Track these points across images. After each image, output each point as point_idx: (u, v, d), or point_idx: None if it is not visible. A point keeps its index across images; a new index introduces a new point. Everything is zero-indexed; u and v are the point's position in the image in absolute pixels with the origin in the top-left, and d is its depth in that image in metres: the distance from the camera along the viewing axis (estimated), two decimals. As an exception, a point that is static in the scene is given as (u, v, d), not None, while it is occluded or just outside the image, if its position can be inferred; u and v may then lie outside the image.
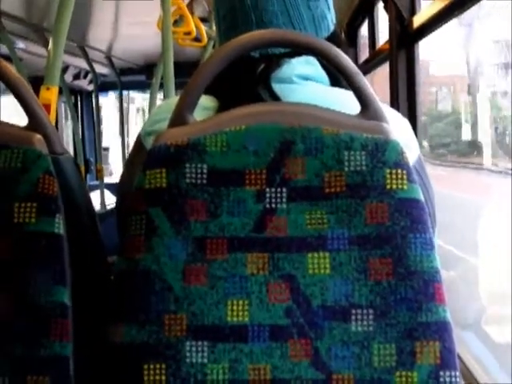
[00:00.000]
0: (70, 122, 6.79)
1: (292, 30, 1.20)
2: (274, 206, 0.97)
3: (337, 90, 1.18)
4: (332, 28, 1.26)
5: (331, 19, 1.26)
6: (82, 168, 5.91)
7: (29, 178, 1.02)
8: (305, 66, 1.19)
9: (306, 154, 0.96)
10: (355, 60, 3.95)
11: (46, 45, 4.27)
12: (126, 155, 6.41)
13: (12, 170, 1.02)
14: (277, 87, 1.15)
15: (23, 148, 1.03)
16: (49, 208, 1.02)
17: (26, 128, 1.07)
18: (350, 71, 1.00)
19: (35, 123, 1.07)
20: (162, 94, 3.04)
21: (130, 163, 1.25)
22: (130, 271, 0.97)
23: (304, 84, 1.18)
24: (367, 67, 3.51)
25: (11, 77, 1.07)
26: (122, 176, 1.28)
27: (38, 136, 1.05)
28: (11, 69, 1.08)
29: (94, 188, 6.27)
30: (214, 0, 1.29)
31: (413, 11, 2.44)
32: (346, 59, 1.00)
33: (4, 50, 4.32)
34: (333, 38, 1.25)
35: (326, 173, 0.96)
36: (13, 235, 1.01)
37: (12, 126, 1.08)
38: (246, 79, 1.17)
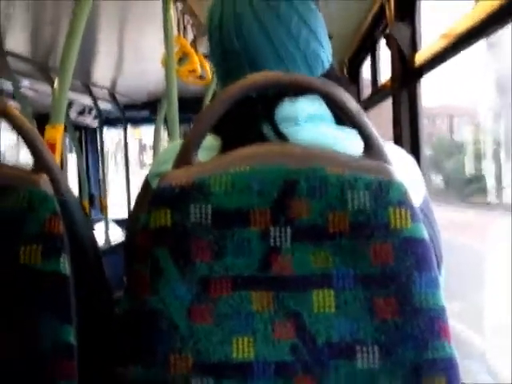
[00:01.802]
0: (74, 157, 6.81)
1: (285, 69, 1.20)
2: (278, 244, 0.97)
3: (341, 129, 1.18)
4: (327, 66, 1.26)
5: (327, 57, 1.26)
6: (87, 203, 5.91)
7: (35, 219, 1.03)
8: (310, 104, 1.20)
9: (309, 193, 0.97)
10: (357, 97, 3.97)
11: (50, 83, 4.31)
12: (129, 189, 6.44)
13: (18, 210, 1.03)
14: (283, 128, 1.16)
15: (29, 189, 1.04)
16: (54, 248, 1.02)
17: (32, 169, 1.08)
18: (352, 111, 1.01)
19: (41, 164, 1.08)
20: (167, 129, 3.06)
21: (138, 204, 1.26)
22: (135, 311, 0.97)
23: (310, 123, 1.18)
24: (369, 104, 3.53)
25: (17, 119, 1.09)
26: (131, 216, 1.28)
27: (44, 177, 1.06)
28: (17, 111, 1.09)
29: (97, 221, 6.27)
30: (209, 46, 1.30)
31: (414, 48, 2.46)
32: (347, 99, 1.01)
33: (9, 87, 4.35)
34: (332, 77, 1.25)
35: (330, 212, 0.97)
36: (18, 276, 1.01)
37: (18, 168, 1.09)
38: (246, 119, 1.18)
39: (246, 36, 1.21)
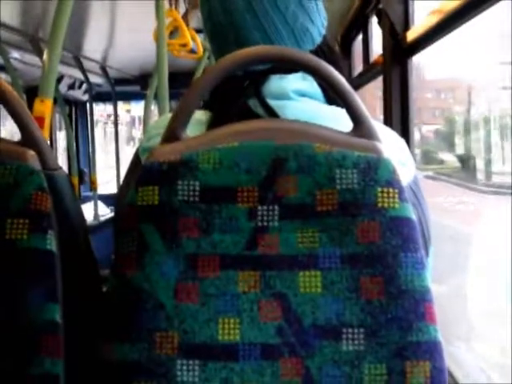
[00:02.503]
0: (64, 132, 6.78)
1: (270, 44, 1.19)
2: (265, 223, 0.97)
3: (331, 107, 1.17)
4: (318, 41, 1.24)
5: (318, 32, 1.24)
6: (76, 179, 5.90)
7: (21, 194, 1.02)
8: (301, 81, 1.19)
9: (298, 171, 0.97)
10: (349, 73, 3.96)
11: (41, 55, 4.28)
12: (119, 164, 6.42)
13: (4, 186, 1.02)
14: (272, 103, 1.15)
15: (16, 164, 1.03)
16: (41, 224, 1.02)
17: (19, 143, 1.07)
18: (342, 88, 1.01)
19: (28, 139, 1.07)
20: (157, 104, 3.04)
21: (127, 178, 1.25)
22: (121, 288, 0.97)
23: (299, 100, 1.18)
24: (361, 81, 3.52)
25: (4, 91, 1.07)
26: (120, 191, 1.27)
27: (31, 152, 1.05)
28: (4, 83, 1.08)
29: (87, 199, 6.27)
30: (202, 16, 1.29)
31: (407, 26, 2.44)
32: (338, 76, 1.01)
33: (-1, 60, 4.32)
34: (324, 51, 1.24)
35: (318, 191, 0.97)
36: (4, 251, 1.01)
37: (5, 141, 1.07)
38: (234, 93, 1.17)
39: (232, 10, 1.20)
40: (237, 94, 1.17)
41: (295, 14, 1.21)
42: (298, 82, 1.18)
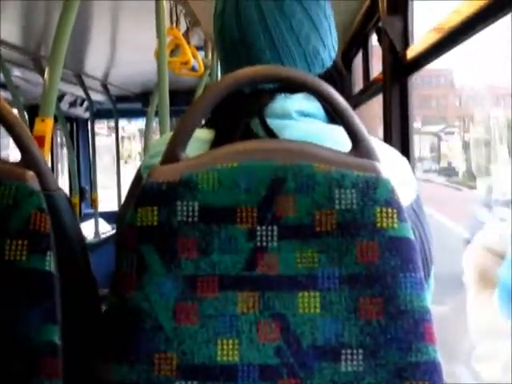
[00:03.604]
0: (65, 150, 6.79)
1: (281, 64, 1.19)
2: (264, 244, 0.97)
3: (333, 126, 1.17)
4: (328, 64, 1.25)
5: (328, 55, 1.24)
6: (77, 197, 5.90)
7: (20, 215, 1.02)
8: (305, 101, 1.19)
9: (297, 191, 0.96)
10: (350, 91, 3.96)
11: (42, 73, 4.29)
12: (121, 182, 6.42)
13: (4, 206, 1.02)
14: (274, 122, 1.15)
15: (15, 184, 1.03)
16: (40, 245, 1.02)
17: (19, 164, 1.07)
18: (341, 109, 1.01)
19: (28, 159, 1.07)
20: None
21: (129, 196, 1.25)
22: (120, 308, 0.97)
23: (302, 120, 1.18)
24: (361, 98, 3.52)
25: (4, 112, 1.08)
26: (122, 208, 1.27)
27: (31, 173, 1.05)
28: (4, 104, 1.08)
29: (88, 217, 6.26)
30: (213, 33, 1.29)
31: (406, 44, 2.45)
32: (337, 97, 1.01)
33: (0, 77, 4.33)
34: (333, 74, 1.25)
35: (317, 211, 0.97)
36: (4, 272, 1.01)
37: (4, 162, 1.08)
38: (238, 113, 1.17)
39: (245, 26, 1.20)
40: (240, 114, 1.17)
41: (308, 37, 1.21)
42: (301, 102, 1.19)
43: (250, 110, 1.17)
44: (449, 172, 18.06)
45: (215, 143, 1.14)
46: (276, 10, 1.20)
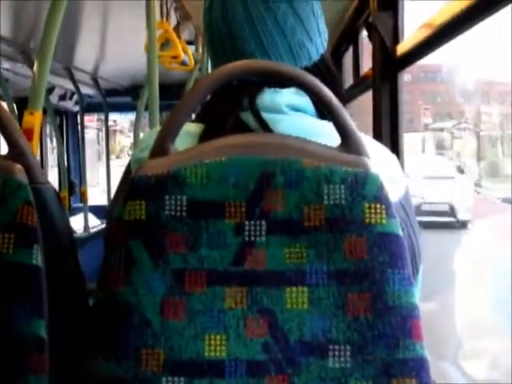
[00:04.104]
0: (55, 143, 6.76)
1: (267, 57, 1.20)
2: (253, 238, 0.97)
3: (324, 122, 1.17)
4: (315, 58, 1.25)
5: (315, 49, 1.25)
6: (66, 190, 5.88)
7: (7, 208, 1.01)
8: (295, 96, 1.19)
9: (285, 186, 0.96)
10: (339, 86, 3.96)
11: (31, 66, 4.27)
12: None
13: None
14: (265, 116, 1.15)
15: (3, 178, 1.03)
16: (27, 239, 1.01)
17: (6, 157, 1.06)
18: (331, 103, 1.01)
19: (16, 152, 1.07)
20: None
21: (119, 190, 1.25)
22: (108, 303, 0.97)
23: (292, 114, 1.18)
24: (351, 94, 3.53)
25: None
26: (112, 203, 1.27)
27: (18, 166, 1.04)
28: None
29: (77, 211, 6.24)
30: (203, 27, 1.30)
31: (396, 40, 2.45)
32: (326, 92, 1.01)
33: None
34: (321, 68, 1.25)
35: (306, 206, 0.96)
36: None
37: None
38: (227, 106, 1.17)
39: (231, 20, 1.21)
40: (230, 107, 1.17)
41: (293, 29, 1.22)
42: (292, 96, 1.19)
43: (240, 103, 1.17)
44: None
45: (204, 137, 1.13)
46: (260, 2, 1.21)
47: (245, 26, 1.20)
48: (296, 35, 1.22)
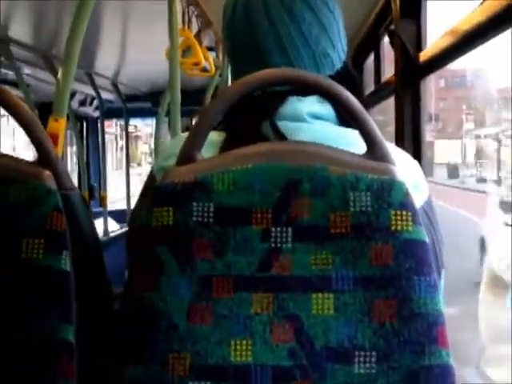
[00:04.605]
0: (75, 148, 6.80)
1: (291, 66, 1.20)
2: (279, 245, 0.97)
3: (345, 129, 1.18)
4: (338, 66, 1.26)
5: (338, 57, 1.26)
6: (86, 194, 5.91)
7: (38, 214, 1.03)
8: (317, 104, 1.19)
9: (312, 193, 0.97)
10: (361, 93, 3.96)
11: (53, 71, 4.30)
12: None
13: (21, 205, 1.03)
14: (286, 124, 1.15)
15: (32, 183, 1.04)
16: (56, 244, 1.02)
17: (36, 163, 1.08)
18: (356, 111, 1.01)
19: (45, 159, 1.08)
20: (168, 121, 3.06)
21: (142, 197, 1.26)
22: (135, 308, 0.97)
23: (314, 123, 1.18)
24: (372, 100, 3.52)
25: (22, 113, 1.08)
26: (135, 209, 1.28)
27: (48, 172, 1.06)
28: (23, 105, 1.09)
29: (97, 215, 6.27)
30: (223, 39, 1.30)
31: (419, 47, 2.44)
32: (352, 99, 1.01)
33: (11, 76, 4.34)
34: (343, 75, 1.25)
35: (332, 213, 0.97)
36: (20, 271, 1.01)
37: (22, 161, 1.08)
38: (250, 115, 1.18)
39: (255, 30, 1.21)
40: (252, 116, 1.17)
41: (318, 39, 1.22)
42: (313, 104, 1.19)
43: (262, 113, 1.17)
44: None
45: (226, 145, 1.14)
46: (285, 14, 1.21)
47: (269, 37, 1.21)
48: (320, 45, 1.23)
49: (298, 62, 1.21)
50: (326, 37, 1.23)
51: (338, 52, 1.26)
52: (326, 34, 1.24)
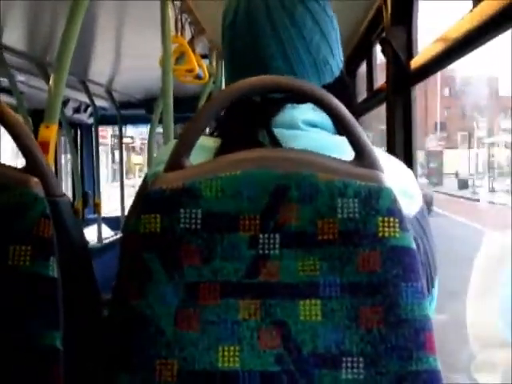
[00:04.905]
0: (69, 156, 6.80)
1: (292, 74, 1.20)
2: (267, 251, 0.97)
3: (339, 137, 1.17)
4: (337, 73, 1.26)
5: (336, 65, 1.26)
6: (80, 202, 5.91)
7: (24, 221, 1.02)
8: (311, 112, 1.19)
9: (300, 200, 0.97)
10: (353, 100, 3.97)
11: (47, 79, 4.30)
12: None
13: (8, 211, 1.03)
14: (281, 132, 1.15)
15: (20, 190, 1.04)
16: (43, 251, 1.02)
17: (23, 170, 1.08)
18: (344, 119, 1.01)
19: (33, 165, 1.08)
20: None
21: (135, 203, 1.26)
22: (123, 315, 0.97)
23: (309, 130, 1.18)
24: (365, 107, 3.53)
25: (9, 118, 1.08)
26: (128, 216, 1.28)
27: (35, 179, 1.06)
28: (10, 111, 1.09)
29: (91, 222, 6.27)
30: (222, 44, 1.30)
31: (410, 54, 2.45)
32: (340, 107, 1.01)
33: (5, 83, 4.34)
34: (340, 84, 1.26)
35: (320, 220, 0.97)
36: (6, 278, 1.01)
37: (9, 167, 1.08)
38: (246, 122, 1.18)
39: (258, 36, 1.21)
40: (248, 123, 1.17)
41: (318, 46, 1.23)
42: (309, 112, 1.19)
43: (259, 120, 1.17)
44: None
45: (220, 152, 1.14)
46: (287, 19, 1.21)
47: (272, 42, 1.20)
48: (321, 52, 1.23)
49: (299, 69, 1.22)
50: (326, 44, 1.24)
51: (337, 60, 1.27)
52: (326, 42, 1.24)
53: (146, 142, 5.37)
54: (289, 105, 1.19)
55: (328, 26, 1.25)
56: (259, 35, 1.21)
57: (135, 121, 8.00)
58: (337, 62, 1.26)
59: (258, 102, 1.18)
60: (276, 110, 1.18)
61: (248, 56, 1.23)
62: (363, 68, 3.83)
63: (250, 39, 1.22)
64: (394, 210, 0.97)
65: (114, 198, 7.73)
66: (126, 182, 6.77)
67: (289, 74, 1.20)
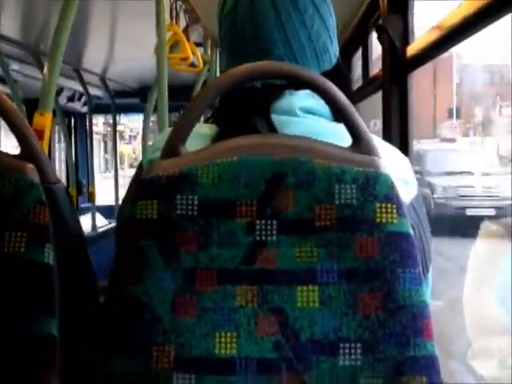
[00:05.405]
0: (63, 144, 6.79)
1: (294, 61, 1.20)
2: (264, 238, 0.97)
3: (337, 124, 1.17)
4: (334, 60, 1.26)
5: (334, 53, 1.26)
6: (74, 190, 5.91)
7: (20, 207, 1.02)
8: (309, 98, 1.19)
9: (297, 186, 0.97)
10: (349, 87, 3.96)
11: (41, 67, 4.29)
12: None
13: (3, 198, 1.02)
14: (278, 118, 1.15)
15: (15, 177, 1.03)
16: (39, 237, 1.02)
17: (19, 157, 1.07)
18: (342, 105, 1.01)
19: (28, 152, 1.08)
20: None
21: (130, 190, 1.25)
22: (119, 302, 0.97)
23: (305, 117, 1.18)
24: (361, 95, 3.53)
25: (4, 105, 1.08)
26: (123, 202, 1.27)
27: (30, 165, 1.05)
28: (5, 97, 1.08)
29: (85, 210, 6.27)
30: (218, 30, 1.29)
31: (406, 42, 2.45)
32: (338, 93, 1.01)
33: (-1, 72, 4.34)
34: (337, 71, 1.26)
35: (317, 206, 0.97)
36: (2, 264, 1.01)
37: (4, 154, 1.08)
38: (244, 109, 1.17)
39: (260, 22, 1.21)
40: (245, 111, 1.17)
41: (319, 33, 1.23)
42: (306, 99, 1.19)
43: (257, 107, 1.17)
44: None
45: (217, 139, 1.13)
46: (290, 4, 1.21)
47: (274, 29, 1.20)
48: (321, 39, 1.23)
49: (300, 56, 1.22)
50: (325, 31, 1.24)
51: (334, 47, 1.27)
52: (326, 29, 1.24)
53: (136, 130, 5.38)
54: (287, 91, 1.18)
55: (326, 12, 1.25)
56: (262, 22, 1.21)
57: (129, 110, 8.00)
58: (334, 49, 1.27)
59: (259, 87, 1.18)
60: (275, 96, 1.18)
61: (249, 43, 1.22)
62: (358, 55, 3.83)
63: (253, 26, 1.21)
64: (391, 196, 0.97)
65: (107, 189, 7.71)
66: (119, 172, 6.77)
67: (290, 60, 1.21)
